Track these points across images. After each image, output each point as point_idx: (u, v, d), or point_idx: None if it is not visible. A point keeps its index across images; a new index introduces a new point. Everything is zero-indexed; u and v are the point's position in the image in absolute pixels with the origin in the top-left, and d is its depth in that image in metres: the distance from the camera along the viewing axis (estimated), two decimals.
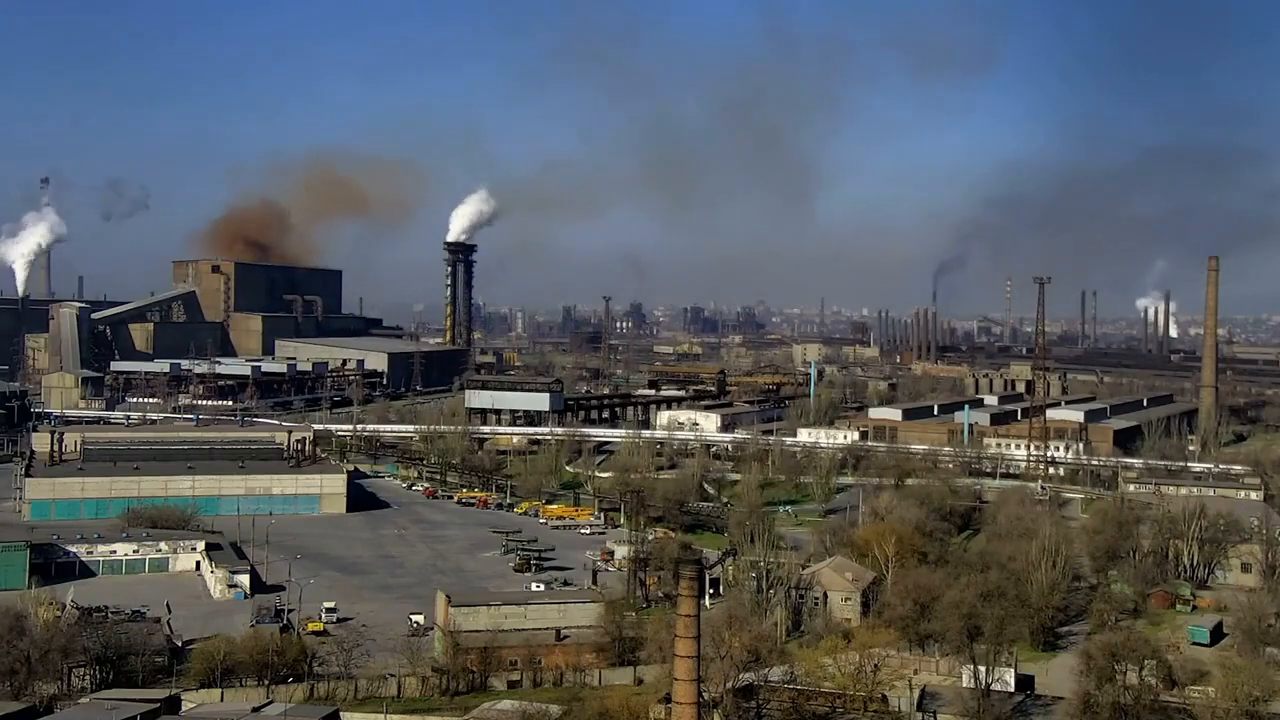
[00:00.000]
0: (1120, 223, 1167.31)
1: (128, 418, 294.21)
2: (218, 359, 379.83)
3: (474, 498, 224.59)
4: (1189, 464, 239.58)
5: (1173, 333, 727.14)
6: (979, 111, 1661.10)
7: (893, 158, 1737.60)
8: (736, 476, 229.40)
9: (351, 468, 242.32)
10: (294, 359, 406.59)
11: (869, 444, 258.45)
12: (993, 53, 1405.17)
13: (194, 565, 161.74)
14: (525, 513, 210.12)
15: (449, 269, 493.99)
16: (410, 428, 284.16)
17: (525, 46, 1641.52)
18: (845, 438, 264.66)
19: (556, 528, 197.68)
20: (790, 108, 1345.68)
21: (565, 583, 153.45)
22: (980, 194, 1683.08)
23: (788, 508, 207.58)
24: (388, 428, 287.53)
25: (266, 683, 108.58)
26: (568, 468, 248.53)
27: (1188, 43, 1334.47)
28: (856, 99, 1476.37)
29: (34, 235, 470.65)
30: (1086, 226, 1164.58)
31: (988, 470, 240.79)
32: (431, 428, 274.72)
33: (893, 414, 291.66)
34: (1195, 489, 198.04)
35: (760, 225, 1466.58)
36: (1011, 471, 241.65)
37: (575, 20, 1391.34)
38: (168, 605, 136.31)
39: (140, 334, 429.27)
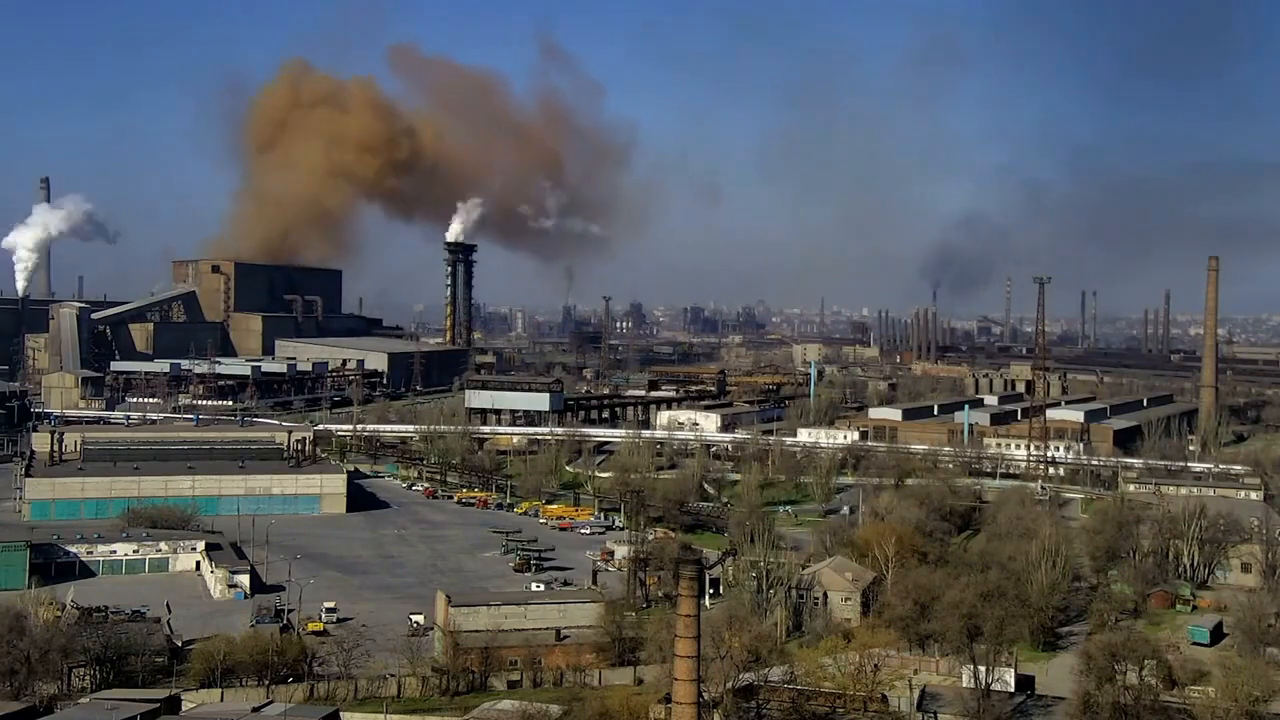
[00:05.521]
0: (1122, 223, 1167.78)
1: (128, 418, 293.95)
2: (218, 359, 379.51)
3: (474, 498, 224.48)
4: (1189, 464, 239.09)
5: (1173, 332, 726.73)
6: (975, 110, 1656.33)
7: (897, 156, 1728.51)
8: (736, 476, 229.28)
9: (351, 468, 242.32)
10: (294, 359, 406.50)
11: (869, 444, 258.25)
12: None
13: (194, 565, 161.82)
14: (525, 513, 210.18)
15: (449, 269, 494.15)
16: (410, 428, 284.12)
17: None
18: (845, 438, 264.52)
19: (556, 528, 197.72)
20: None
21: (565, 583, 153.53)
22: (979, 194, 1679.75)
23: (788, 508, 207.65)
24: (388, 428, 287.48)
25: (266, 683, 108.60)
26: (568, 468, 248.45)
27: (1195, 49, 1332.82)
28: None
29: (42, 225, 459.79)
30: (1089, 227, 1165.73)
31: (988, 470, 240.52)
32: (431, 428, 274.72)
33: (893, 414, 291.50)
34: (1195, 489, 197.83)
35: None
36: (1011, 471, 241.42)
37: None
38: (168, 605, 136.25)
39: (140, 334, 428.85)
